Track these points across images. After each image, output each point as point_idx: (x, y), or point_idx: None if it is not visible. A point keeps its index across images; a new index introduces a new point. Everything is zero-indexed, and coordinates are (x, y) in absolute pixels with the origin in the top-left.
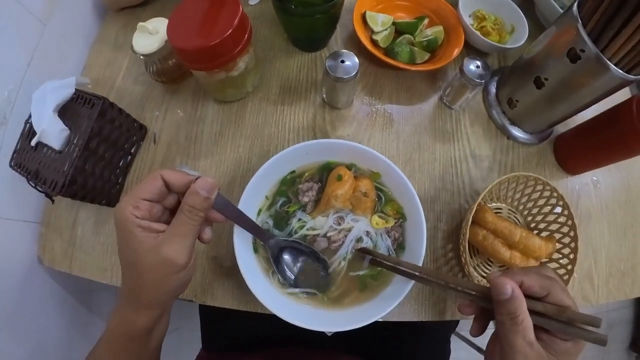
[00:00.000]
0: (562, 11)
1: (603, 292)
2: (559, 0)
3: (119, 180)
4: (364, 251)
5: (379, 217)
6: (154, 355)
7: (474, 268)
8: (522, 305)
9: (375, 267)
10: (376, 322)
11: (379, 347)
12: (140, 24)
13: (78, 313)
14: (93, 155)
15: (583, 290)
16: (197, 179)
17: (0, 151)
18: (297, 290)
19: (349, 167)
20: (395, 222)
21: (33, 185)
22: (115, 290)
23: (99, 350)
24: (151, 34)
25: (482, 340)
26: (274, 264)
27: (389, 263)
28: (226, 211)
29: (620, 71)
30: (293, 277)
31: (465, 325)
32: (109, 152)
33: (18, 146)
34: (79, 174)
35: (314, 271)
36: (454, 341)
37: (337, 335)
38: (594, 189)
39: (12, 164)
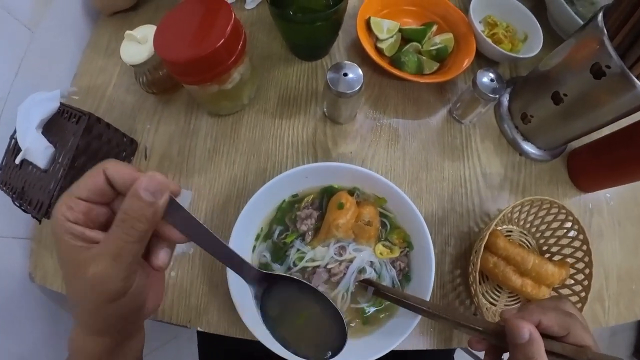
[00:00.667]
0: (577, 18)
1: (613, 314)
2: (574, 7)
3: None
4: (366, 282)
5: (384, 246)
6: None
7: (483, 295)
8: (540, 349)
9: (380, 298)
10: None
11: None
12: (128, 32)
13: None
14: (80, 173)
15: (593, 312)
16: (141, 177)
17: None
18: None
19: (352, 191)
20: (401, 252)
21: (18, 205)
22: None
23: None
24: (139, 43)
25: None
26: (259, 309)
27: (393, 296)
28: (185, 227)
29: None
30: (283, 334)
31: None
32: None
33: (3, 163)
34: None
35: (316, 321)
36: (459, 354)
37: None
38: (607, 205)
39: None
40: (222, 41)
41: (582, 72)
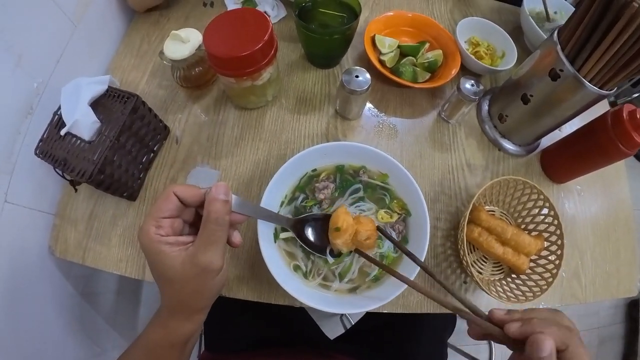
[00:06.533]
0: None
1: (590, 291)
2: (545, 29)
3: (141, 176)
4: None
5: (385, 212)
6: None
7: (471, 265)
8: None
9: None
10: (377, 320)
11: (379, 349)
12: (174, 32)
13: (80, 308)
14: (122, 148)
15: (572, 289)
16: (209, 189)
17: (23, 140)
18: (314, 281)
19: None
20: (399, 217)
21: (60, 173)
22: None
23: (134, 355)
24: (183, 42)
25: (479, 356)
26: (300, 241)
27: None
28: (244, 209)
29: (594, 87)
30: (319, 246)
31: (460, 339)
32: (136, 147)
33: (45, 135)
34: (108, 164)
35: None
36: (451, 354)
37: (339, 338)
38: (578, 197)
39: (37, 152)
40: (260, 45)
41: (543, 76)
